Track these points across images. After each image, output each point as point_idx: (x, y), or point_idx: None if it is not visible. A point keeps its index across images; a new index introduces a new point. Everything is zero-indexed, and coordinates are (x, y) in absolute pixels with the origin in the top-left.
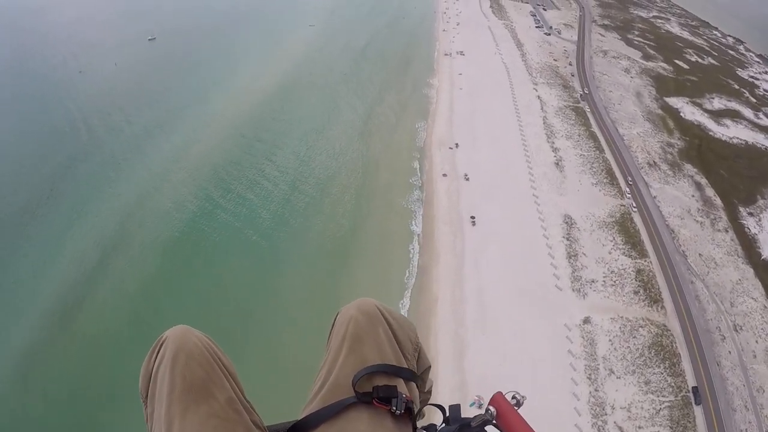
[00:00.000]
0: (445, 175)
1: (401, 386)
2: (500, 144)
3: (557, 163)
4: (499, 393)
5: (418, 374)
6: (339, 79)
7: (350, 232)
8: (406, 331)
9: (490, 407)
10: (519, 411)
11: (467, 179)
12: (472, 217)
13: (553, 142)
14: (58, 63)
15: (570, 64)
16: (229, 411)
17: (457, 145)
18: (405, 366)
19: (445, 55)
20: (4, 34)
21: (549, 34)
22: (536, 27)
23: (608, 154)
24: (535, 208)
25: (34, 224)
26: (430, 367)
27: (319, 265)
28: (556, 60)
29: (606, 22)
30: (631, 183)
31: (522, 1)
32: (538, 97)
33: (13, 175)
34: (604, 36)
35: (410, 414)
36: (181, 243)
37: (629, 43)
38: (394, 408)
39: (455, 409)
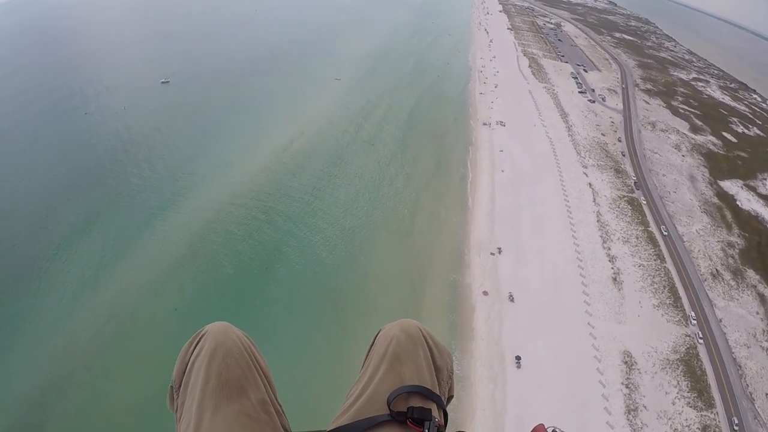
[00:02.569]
0: (485, 293)
1: (434, 410)
2: (550, 250)
3: (615, 278)
4: (541, 425)
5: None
6: (362, 150)
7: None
8: (444, 357)
9: None
10: None
11: (512, 300)
12: (518, 358)
13: (609, 248)
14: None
15: (619, 140)
16: (260, 412)
17: (499, 250)
18: (438, 392)
19: (484, 124)
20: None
21: (593, 101)
22: (579, 92)
23: (669, 263)
24: (590, 343)
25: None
26: (452, 397)
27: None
28: (603, 135)
29: (648, 86)
30: (695, 305)
31: (561, 61)
32: (590, 184)
33: None
34: (648, 103)
35: None
36: None
37: (675, 111)
38: (426, 431)
39: None
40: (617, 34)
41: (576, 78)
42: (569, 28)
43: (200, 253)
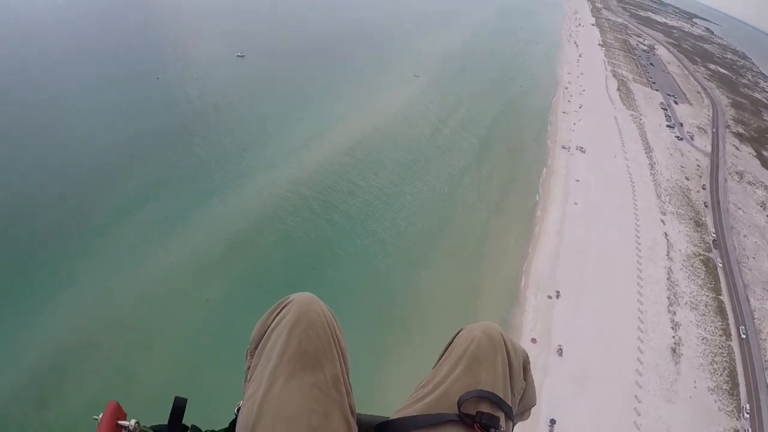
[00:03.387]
0: (534, 340)
1: (502, 420)
2: (611, 304)
3: (674, 349)
4: None
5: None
6: (435, 156)
7: None
8: (521, 365)
9: None
10: None
11: (560, 354)
12: (552, 422)
13: (675, 312)
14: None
15: (703, 188)
16: (331, 388)
17: (558, 294)
18: (509, 402)
19: (563, 147)
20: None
21: (681, 139)
22: (667, 126)
23: (734, 342)
24: (633, 420)
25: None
26: (528, 411)
27: None
28: (688, 179)
29: (740, 129)
30: (752, 396)
31: (652, 88)
32: (666, 234)
33: None
34: (738, 150)
35: None
36: None
37: (765, 163)
38: None
39: None
40: (712, 66)
41: (666, 109)
42: (662, 52)
43: (248, 241)
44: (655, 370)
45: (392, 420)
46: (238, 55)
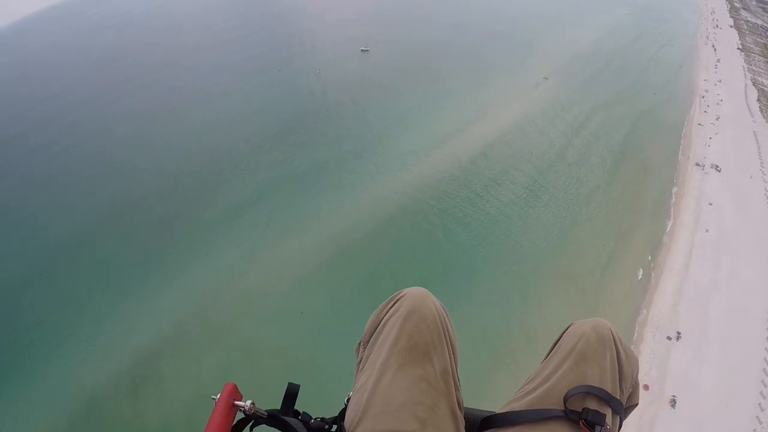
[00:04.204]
0: (646, 387)
1: (609, 417)
2: (734, 353)
3: None
4: None
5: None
6: (561, 169)
7: None
8: (632, 365)
9: None
10: None
11: (673, 406)
12: None
13: None
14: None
15: None
16: (440, 381)
17: (678, 335)
18: (617, 397)
19: (697, 165)
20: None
21: None
22: None
23: None
24: None
25: None
26: (635, 406)
27: None
28: None
29: None
30: None
31: None
32: None
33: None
34: None
35: None
36: None
37: None
38: None
39: None
40: None
41: None
42: None
43: (355, 249)
44: None
45: (498, 414)
46: (362, 50)
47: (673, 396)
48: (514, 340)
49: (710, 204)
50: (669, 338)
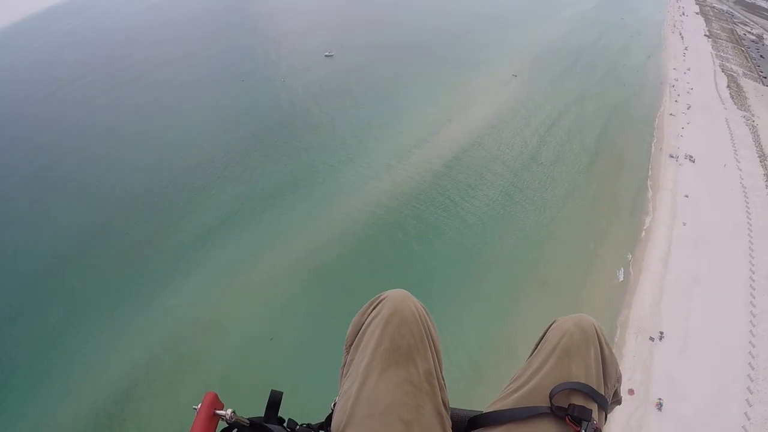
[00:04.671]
0: (631, 392)
1: (595, 412)
2: (719, 349)
3: None
4: None
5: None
6: (537, 171)
7: None
8: (615, 361)
9: None
10: None
11: (659, 408)
12: None
13: None
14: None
15: None
16: (424, 382)
17: (661, 335)
18: (602, 392)
19: (671, 156)
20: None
21: None
22: None
23: None
24: None
25: None
26: (620, 400)
27: None
28: None
29: None
30: None
31: (764, 84)
32: None
33: None
34: None
35: None
36: None
37: None
38: (583, 431)
39: None
40: None
41: None
42: None
43: (328, 266)
44: (764, 425)
45: (484, 413)
46: (326, 55)
47: (659, 399)
48: (496, 350)
49: (686, 196)
50: (652, 339)
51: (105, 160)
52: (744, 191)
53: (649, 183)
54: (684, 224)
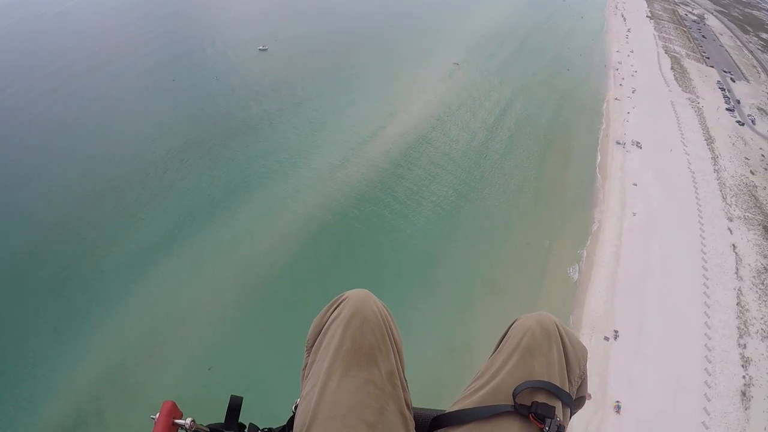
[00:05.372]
0: (588, 396)
1: (558, 409)
2: (675, 343)
3: (744, 392)
4: None
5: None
6: (491, 167)
7: None
8: (578, 356)
9: None
10: None
11: (617, 411)
12: None
13: (745, 346)
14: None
15: None
16: (386, 383)
17: (616, 334)
18: (566, 389)
19: (617, 143)
20: None
21: (742, 124)
22: (727, 109)
23: None
24: None
25: None
26: (584, 397)
27: None
28: (753, 173)
29: None
30: None
31: (706, 64)
32: (734, 246)
33: None
34: None
35: None
36: None
37: None
38: (547, 428)
39: None
40: (764, 35)
41: (723, 90)
42: (713, 22)
43: (272, 280)
44: (723, 419)
45: (448, 413)
46: (260, 49)
47: (617, 402)
48: (454, 352)
49: (635, 185)
50: (606, 338)
51: (30, 183)
52: (692, 176)
53: (597, 173)
54: (634, 214)
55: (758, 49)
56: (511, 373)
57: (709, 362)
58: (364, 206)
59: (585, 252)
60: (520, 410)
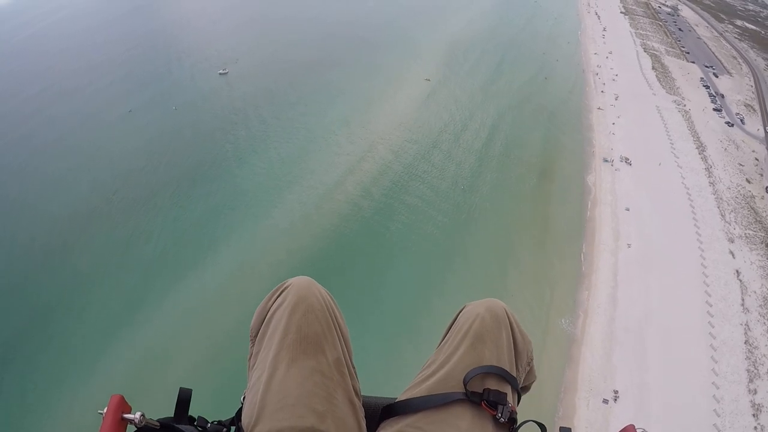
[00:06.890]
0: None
1: (509, 395)
2: (680, 397)
3: None
4: (632, 425)
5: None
6: (462, 198)
7: None
8: (526, 343)
9: None
10: None
11: None
12: None
13: (755, 392)
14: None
15: (767, 190)
16: (334, 371)
17: (616, 395)
18: (515, 375)
19: (605, 161)
20: None
21: (731, 125)
22: (714, 109)
23: None
24: None
25: None
26: (530, 386)
27: None
28: (749, 181)
29: None
30: None
31: (687, 60)
32: (737, 273)
33: None
34: None
35: (511, 425)
36: None
37: None
38: (499, 415)
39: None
40: (738, 22)
41: (708, 87)
42: (687, 12)
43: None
44: None
45: (399, 402)
46: (220, 73)
47: None
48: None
49: (627, 209)
50: (605, 401)
51: None
52: (687, 193)
53: (587, 200)
54: (629, 246)
55: (735, 37)
56: (461, 359)
57: (718, 416)
58: (337, 258)
59: (578, 298)
60: (472, 398)
